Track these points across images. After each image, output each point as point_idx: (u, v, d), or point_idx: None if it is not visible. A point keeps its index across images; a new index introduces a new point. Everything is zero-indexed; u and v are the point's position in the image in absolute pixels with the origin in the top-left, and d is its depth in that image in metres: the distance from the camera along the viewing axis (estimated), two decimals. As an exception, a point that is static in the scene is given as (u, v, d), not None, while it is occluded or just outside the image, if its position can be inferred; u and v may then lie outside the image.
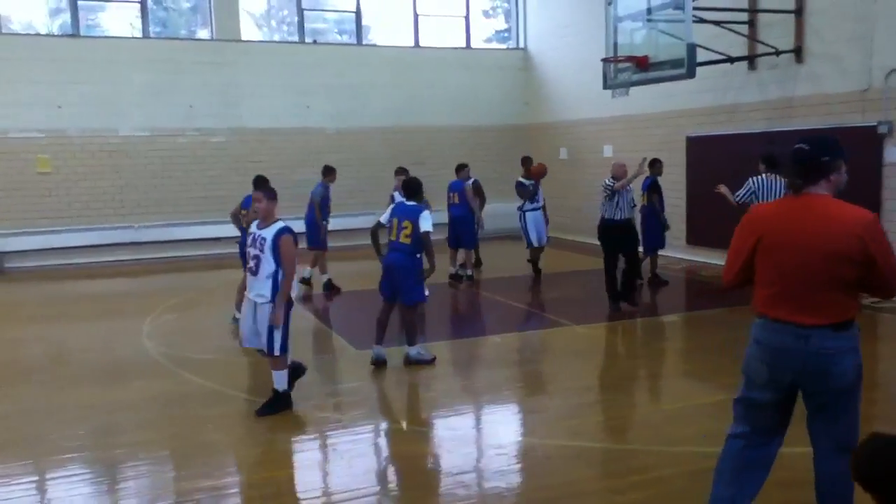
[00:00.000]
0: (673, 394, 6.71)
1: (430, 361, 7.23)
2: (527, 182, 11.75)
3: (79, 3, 14.95)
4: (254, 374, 7.63)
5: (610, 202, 9.25)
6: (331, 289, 11.08)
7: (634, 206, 9.65)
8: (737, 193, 8.71)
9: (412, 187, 7.32)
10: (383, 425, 6.02)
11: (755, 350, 3.54)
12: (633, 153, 14.05)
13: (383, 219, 7.30)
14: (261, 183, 9.21)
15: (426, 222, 7.00)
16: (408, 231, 6.99)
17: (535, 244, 11.76)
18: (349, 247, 14.13)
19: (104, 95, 14.64)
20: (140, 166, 14.95)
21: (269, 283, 5.82)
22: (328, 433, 5.71)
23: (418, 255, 7.13)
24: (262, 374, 7.47)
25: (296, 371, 6.23)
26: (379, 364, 7.11)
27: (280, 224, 5.91)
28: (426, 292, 7.40)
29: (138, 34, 15.44)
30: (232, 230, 9.63)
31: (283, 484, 4.89)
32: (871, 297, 3.50)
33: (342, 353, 8.15)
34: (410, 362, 7.18)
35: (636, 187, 10.16)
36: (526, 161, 12.22)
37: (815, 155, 3.39)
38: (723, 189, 8.94)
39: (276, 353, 5.91)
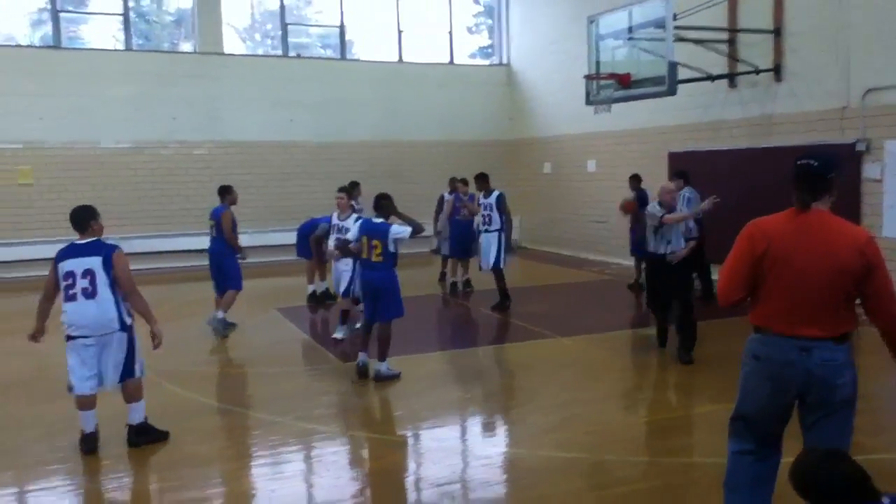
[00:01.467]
0: (658, 406, 6.76)
1: (397, 376, 7.22)
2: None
3: (60, 14, 14.90)
4: (239, 386, 7.61)
5: (654, 234, 7.78)
6: (317, 300, 11.10)
7: (692, 238, 8.29)
8: (700, 208, 8.44)
9: (380, 203, 7.28)
10: (368, 436, 5.98)
11: (755, 366, 3.52)
12: (616, 168, 14.23)
13: (350, 235, 7.51)
14: (225, 192, 9.47)
15: (397, 237, 7.01)
16: (378, 250, 7.00)
17: (481, 267, 10.83)
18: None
19: (86, 107, 14.56)
20: (122, 178, 14.86)
21: None
22: (313, 445, 5.68)
23: (395, 269, 7.17)
24: (247, 387, 7.48)
25: (146, 433, 5.65)
26: (363, 371, 7.12)
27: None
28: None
29: (121, 46, 15.41)
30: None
31: (268, 495, 4.85)
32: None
33: (327, 365, 8.12)
34: (381, 378, 7.14)
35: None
36: (481, 178, 10.86)
37: (823, 171, 3.42)
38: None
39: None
